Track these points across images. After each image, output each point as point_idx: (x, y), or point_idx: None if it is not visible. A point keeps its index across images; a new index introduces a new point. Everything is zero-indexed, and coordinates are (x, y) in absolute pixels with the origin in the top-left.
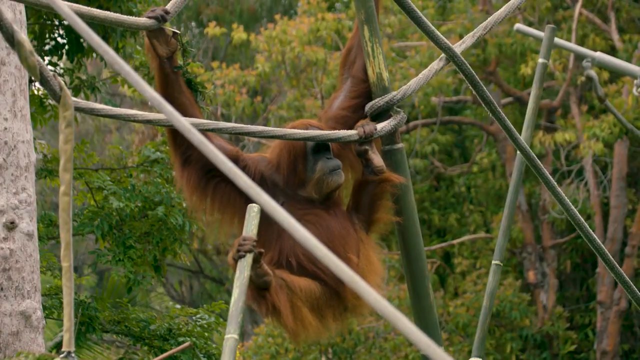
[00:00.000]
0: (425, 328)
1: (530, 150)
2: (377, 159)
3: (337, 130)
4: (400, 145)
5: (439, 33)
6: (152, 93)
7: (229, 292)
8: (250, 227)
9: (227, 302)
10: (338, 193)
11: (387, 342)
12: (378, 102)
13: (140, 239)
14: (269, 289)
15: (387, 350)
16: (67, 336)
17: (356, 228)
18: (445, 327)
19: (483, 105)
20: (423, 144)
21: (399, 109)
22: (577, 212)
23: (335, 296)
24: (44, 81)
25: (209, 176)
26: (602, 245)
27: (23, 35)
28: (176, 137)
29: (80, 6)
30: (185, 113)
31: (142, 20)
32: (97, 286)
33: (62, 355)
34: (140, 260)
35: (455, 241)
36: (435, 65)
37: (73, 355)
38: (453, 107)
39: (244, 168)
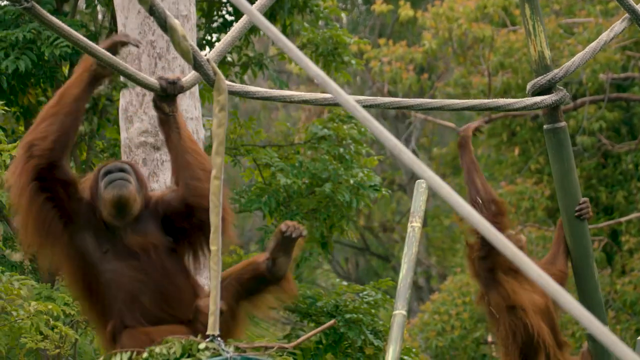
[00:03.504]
0: (589, 307)
1: None
2: (285, 265)
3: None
4: (562, 123)
5: None
6: (316, 69)
7: (395, 270)
8: (418, 203)
9: (394, 280)
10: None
11: None
12: (540, 80)
13: (308, 215)
14: None
15: None
16: (212, 320)
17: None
18: (612, 305)
19: None
20: (590, 121)
21: (561, 87)
22: None
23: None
24: (198, 66)
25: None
26: None
27: (175, 20)
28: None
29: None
30: None
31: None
32: None
33: (207, 340)
34: (307, 236)
35: (622, 219)
36: (604, 36)
37: (219, 339)
38: (621, 84)
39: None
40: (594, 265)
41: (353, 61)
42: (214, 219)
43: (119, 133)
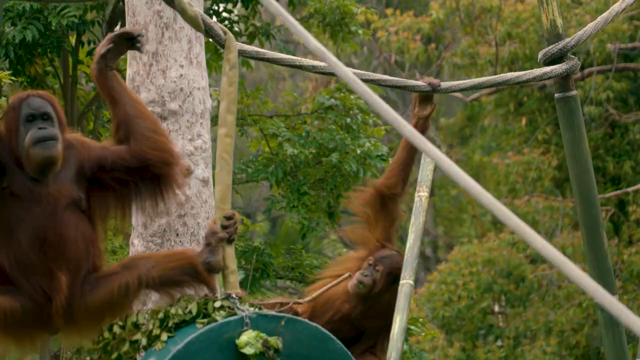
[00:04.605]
0: (599, 275)
1: None
2: (219, 257)
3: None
4: (574, 92)
5: None
6: (315, 43)
7: (402, 239)
8: (426, 173)
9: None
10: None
11: (561, 290)
12: (551, 49)
13: (315, 185)
14: None
15: (561, 298)
16: (233, 278)
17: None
18: (619, 275)
19: None
20: (598, 91)
21: (572, 56)
22: None
23: (39, 316)
24: (208, 28)
25: None
26: None
27: None
28: None
29: None
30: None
31: None
32: (270, 233)
33: (222, 297)
34: (314, 206)
35: (630, 189)
36: (616, 7)
37: (234, 297)
38: (628, 54)
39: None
40: (604, 234)
41: (360, 31)
42: (226, 178)
43: None
